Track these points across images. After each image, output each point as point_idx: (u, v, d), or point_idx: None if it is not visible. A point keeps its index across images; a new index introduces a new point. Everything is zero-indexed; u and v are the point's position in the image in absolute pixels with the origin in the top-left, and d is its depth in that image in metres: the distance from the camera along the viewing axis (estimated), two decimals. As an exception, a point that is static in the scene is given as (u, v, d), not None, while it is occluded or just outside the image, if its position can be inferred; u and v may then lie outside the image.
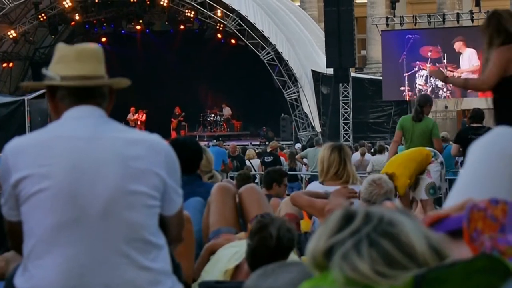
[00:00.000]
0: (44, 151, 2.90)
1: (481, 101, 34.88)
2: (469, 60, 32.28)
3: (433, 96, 33.85)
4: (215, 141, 24.67)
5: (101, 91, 3.06)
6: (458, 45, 32.04)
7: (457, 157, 17.18)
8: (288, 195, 9.76)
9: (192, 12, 34.35)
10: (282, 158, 20.75)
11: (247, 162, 20.17)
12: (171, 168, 3.04)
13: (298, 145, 27.09)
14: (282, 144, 27.77)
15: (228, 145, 23.34)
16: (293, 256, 3.83)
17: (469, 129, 10.97)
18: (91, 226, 2.86)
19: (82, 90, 3.02)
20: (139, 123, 36.48)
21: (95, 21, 38.72)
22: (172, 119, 37.29)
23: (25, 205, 2.90)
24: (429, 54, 32.71)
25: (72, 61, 3.02)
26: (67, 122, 2.99)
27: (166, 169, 3.00)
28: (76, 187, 2.87)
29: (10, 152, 2.94)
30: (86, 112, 3.00)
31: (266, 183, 8.61)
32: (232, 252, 4.18)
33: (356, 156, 19.80)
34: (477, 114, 10.96)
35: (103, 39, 38.79)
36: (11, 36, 35.89)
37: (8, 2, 33.85)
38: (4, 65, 37.48)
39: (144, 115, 36.87)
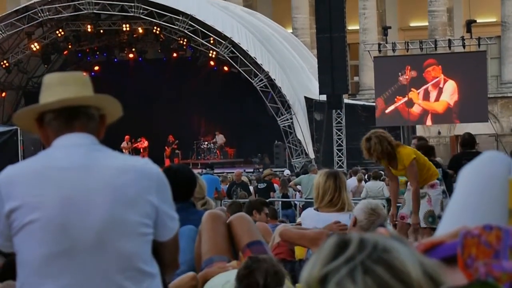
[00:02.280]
0: (36, 181, 2.88)
1: (475, 126, 35.11)
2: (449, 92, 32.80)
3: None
4: (208, 169, 24.67)
5: (87, 112, 3.03)
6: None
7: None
8: (282, 221, 9.77)
9: (185, 40, 34.45)
10: (275, 185, 20.76)
11: (239, 190, 20.17)
12: (163, 193, 3.02)
13: (287, 172, 27.09)
14: (276, 171, 27.76)
15: (223, 173, 23.33)
16: (287, 284, 3.81)
17: (463, 154, 10.99)
18: (84, 257, 2.85)
19: (67, 111, 3.00)
20: (141, 150, 36.56)
21: (87, 50, 38.81)
22: (166, 147, 37.29)
23: (18, 235, 2.89)
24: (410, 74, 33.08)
25: (56, 86, 3.02)
26: (58, 151, 2.97)
27: (158, 195, 2.98)
28: (68, 217, 2.85)
29: (2, 182, 2.92)
30: (76, 140, 2.98)
31: (246, 211, 8.68)
32: (223, 281, 4.16)
33: (352, 182, 19.80)
34: (468, 141, 10.99)
35: (96, 68, 38.87)
36: (4, 66, 35.93)
37: (0, 32, 33.93)
38: (-3, 94, 37.50)
39: (146, 142, 36.94)
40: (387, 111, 33.37)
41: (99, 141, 3.07)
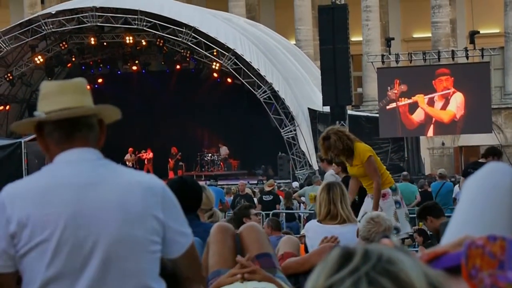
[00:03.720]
0: (43, 199, 2.85)
1: (479, 137, 35.04)
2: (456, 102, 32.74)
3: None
4: (212, 180, 24.67)
5: (88, 122, 3.00)
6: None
7: (455, 195, 17.21)
8: (286, 233, 9.74)
9: (188, 52, 34.50)
10: (280, 197, 20.74)
11: (243, 201, 20.15)
12: (170, 208, 2.99)
13: (296, 184, 27.06)
14: (280, 183, 27.74)
15: (227, 185, 23.31)
16: None
17: (472, 163, 10.97)
18: (93, 275, 2.84)
19: (68, 121, 2.97)
20: (146, 161, 36.60)
21: (91, 62, 38.89)
22: (169, 159, 37.30)
23: (28, 256, 2.85)
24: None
25: (54, 95, 2.98)
26: (62, 167, 2.94)
27: (164, 211, 2.96)
28: (77, 236, 2.84)
29: (7, 200, 2.87)
30: (80, 156, 2.95)
31: (236, 223, 8.60)
32: None
33: None
34: (490, 151, 10.85)
35: (100, 80, 38.95)
36: (7, 79, 36.01)
37: (4, 45, 34.01)
38: (1, 108, 37.55)
39: (151, 153, 36.97)
40: (388, 107, 33.28)
41: (101, 146, 3.04)
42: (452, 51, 35.48)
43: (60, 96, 2.98)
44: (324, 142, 8.66)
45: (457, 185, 18.50)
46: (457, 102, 32.65)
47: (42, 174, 2.97)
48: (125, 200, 2.89)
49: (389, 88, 32.90)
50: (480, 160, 10.78)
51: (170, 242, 3.00)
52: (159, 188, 2.98)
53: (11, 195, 2.89)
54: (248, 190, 22.14)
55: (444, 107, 32.92)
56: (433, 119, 33.24)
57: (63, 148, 2.97)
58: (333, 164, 12.45)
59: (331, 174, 12.75)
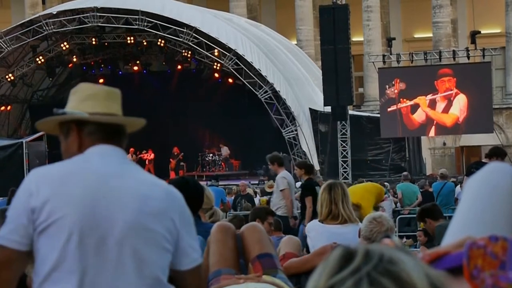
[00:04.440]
0: (67, 180, 2.93)
1: (480, 138, 35.05)
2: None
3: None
4: (213, 181, 24.66)
5: (123, 130, 3.17)
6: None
7: (457, 195, 17.21)
8: (284, 233, 9.73)
9: (189, 52, 34.52)
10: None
11: (243, 201, 20.13)
12: (186, 221, 3.09)
13: (297, 184, 27.03)
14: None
15: (228, 185, 23.29)
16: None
17: (475, 163, 10.97)
18: (107, 258, 2.89)
19: (110, 126, 3.11)
20: (147, 162, 36.59)
21: (92, 63, 38.91)
22: (171, 159, 37.31)
23: (44, 233, 2.90)
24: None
25: (101, 99, 3.14)
26: (92, 157, 3.04)
27: (180, 220, 3.05)
28: (95, 218, 2.90)
29: (34, 177, 2.95)
30: (111, 151, 3.07)
31: (250, 219, 8.62)
32: None
33: None
34: (494, 152, 10.82)
35: (101, 80, 38.94)
36: (9, 79, 36.03)
37: (5, 45, 34.02)
38: (2, 108, 37.58)
39: (153, 154, 36.97)
40: (389, 109, 33.26)
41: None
42: (453, 51, 35.47)
43: (107, 101, 3.15)
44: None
45: (459, 185, 18.51)
46: (460, 104, 32.56)
47: (72, 160, 3.06)
48: (147, 194, 2.98)
49: (387, 86, 32.88)
50: (483, 160, 10.77)
51: (182, 252, 3.07)
52: (180, 199, 3.10)
53: (39, 174, 2.98)
54: (249, 190, 22.13)
55: (446, 109, 32.85)
56: (434, 122, 33.22)
57: (99, 145, 3.10)
58: (296, 167, 12.61)
59: (282, 177, 12.77)
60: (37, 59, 35.85)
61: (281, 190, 12.76)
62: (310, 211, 11.76)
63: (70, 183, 2.92)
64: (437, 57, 34.74)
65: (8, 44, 34.02)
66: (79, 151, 3.07)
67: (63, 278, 2.87)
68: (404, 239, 15.98)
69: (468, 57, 34.17)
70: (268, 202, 12.92)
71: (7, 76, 35.89)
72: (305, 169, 12.70)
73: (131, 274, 2.90)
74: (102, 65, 39.30)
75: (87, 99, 3.13)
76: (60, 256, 2.88)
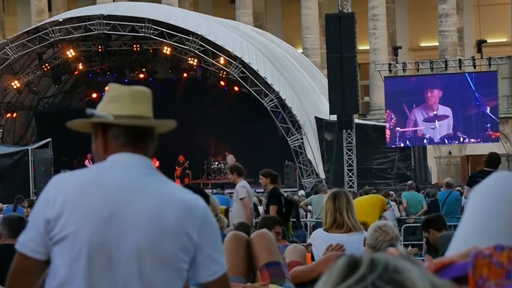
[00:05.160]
0: (84, 192, 2.89)
1: (486, 147, 35.12)
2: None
3: (439, 140, 33.94)
4: (219, 189, 24.65)
5: (152, 133, 3.07)
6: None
7: (463, 203, 17.18)
8: (293, 242, 9.73)
9: (195, 60, 34.54)
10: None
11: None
12: (207, 233, 2.98)
13: (302, 192, 27.03)
14: (286, 191, 27.70)
15: (233, 193, 23.17)
16: None
17: (479, 172, 10.96)
18: (116, 276, 2.85)
19: (136, 129, 3.02)
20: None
21: (98, 70, 38.96)
22: (176, 167, 37.31)
23: (58, 245, 2.88)
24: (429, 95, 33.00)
25: (127, 101, 3.03)
26: (113, 167, 2.97)
27: (200, 234, 2.95)
28: (107, 235, 2.86)
29: (53, 186, 2.93)
30: (132, 160, 2.99)
31: (257, 228, 8.62)
32: None
33: None
34: (491, 158, 10.89)
35: (106, 88, 38.87)
36: (15, 87, 36.09)
37: (12, 52, 34.09)
38: (8, 115, 37.63)
39: (158, 162, 36.96)
40: (402, 129, 33.30)
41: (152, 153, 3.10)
42: (459, 60, 35.46)
43: (132, 103, 3.04)
44: None
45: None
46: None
47: (92, 169, 3.02)
48: (161, 212, 2.90)
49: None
50: (486, 169, 10.75)
51: (201, 266, 2.99)
52: (201, 211, 2.99)
53: (58, 182, 2.95)
54: (254, 199, 22.08)
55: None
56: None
57: (124, 152, 3.01)
58: (261, 176, 12.66)
59: (242, 186, 12.77)
60: (43, 66, 35.93)
61: (241, 199, 12.78)
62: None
63: (86, 196, 2.87)
64: (443, 66, 34.73)
65: (14, 51, 34.09)
66: (105, 153, 3.02)
67: None
68: (409, 248, 15.94)
69: (474, 66, 34.16)
70: (227, 211, 12.93)
71: (13, 83, 35.95)
72: (271, 178, 12.77)
73: None
74: (108, 73, 39.34)
75: (113, 101, 3.05)
76: (68, 272, 2.85)
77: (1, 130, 37.55)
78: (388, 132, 33.56)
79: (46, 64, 35.92)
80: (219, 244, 3.07)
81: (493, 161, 10.79)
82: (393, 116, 33.46)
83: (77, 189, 2.89)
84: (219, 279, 3.04)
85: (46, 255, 2.92)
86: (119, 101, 3.04)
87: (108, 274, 2.85)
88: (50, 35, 33.83)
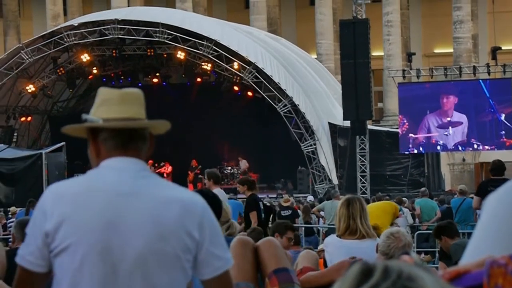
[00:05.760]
0: (80, 203, 2.87)
1: (501, 154, 35.00)
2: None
3: (453, 147, 33.85)
4: (232, 193, 24.66)
5: (143, 134, 3.03)
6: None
7: (477, 211, 17.10)
8: (306, 248, 9.71)
9: (209, 65, 34.58)
10: (298, 211, 20.66)
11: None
12: (208, 230, 2.96)
13: (311, 198, 27.00)
14: (298, 197, 27.69)
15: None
16: None
17: (489, 181, 10.93)
18: (119, 285, 2.85)
19: (125, 132, 3.00)
20: (165, 175, 36.58)
21: (112, 75, 39.05)
22: (189, 172, 37.33)
23: (59, 257, 2.88)
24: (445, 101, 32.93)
25: (115, 104, 3.00)
26: (106, 173, 2.96)
27: (201, 231, 2.94)
28: (108, 244, 2.85)
29: (50, 197, 2.92)
30: (125, 164, 2.97)
31: (270, 233, 8.62)
32: None
33: None
34: (498, 166, 10.91)
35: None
36: (29, 91, 36.23)
37: (27, 57, 34.23)
38: (22, 119, 37.78)
39: (170, 167, 36.99)
40: (415, 135, 33.22)
41: (148, 158, 3.06)
42: (474, 66, 35.35)
43: (121, 105, 3.01)
44: None
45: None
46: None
47: (86, 177, 3.00)
48: (160, 214, 2.88)
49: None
50: (494, 177, 10.75)
51: (203, 263, 2.97)
52: (199, 208, 2.97)
53: (54, 194, 2.92)
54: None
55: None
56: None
57: (115, 155, 2.99)
58: (238, 185, 12.69)
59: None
60: (58, 71, 36.06)
61: None
62: (255, 226, 11.76)
63: (83, 206, 2.86)
64: (457, 72, 34.64)
65: (29, 56, 34.23)
66: (98, 158, 3.01)
67: None
68: (422, 255, 15.89)
69: (489, 73, 34.05)
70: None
71: (28, 87, 36.10)
72: (248, 185, 12.79)
73: None
74: (122, 77, 39.42)
75: (102, 105, 3.02)
76: (72, 283, 2.85)
77: (16, 134, 37.72)
78: (400, 137, 33.47)
79: (61, 68, 36.04)
80: (221, 240, 3.04)
81: (499, 169, 10.82)
82: (405, 121, 33.37)
83: (74, 200, 2.88)
84: (222, 275, 3.02)
85: (46, 267, 2.92)
86: (108, 105, 3.01)
87: (112, 282, 2.84)
88: (65, 39, 33.96)
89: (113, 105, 3.00)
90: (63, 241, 2.86)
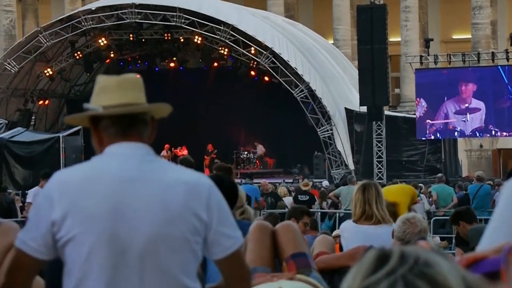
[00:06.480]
0: (87, 191, 2.87)
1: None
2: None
3: (470, 133, 33.71)
4: (247, 179, 24.67)
5: (144, 119, 3.03)
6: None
7: (494, 197, 17.07)
8: (324, 233, 9.72)
9: (226, 50, 34.55)
10: (315, 196, 20.68)
11: (269, 200, 20.08)
12: (216, 209, 2.96)
13: (326, 183, 26.99)
14: (314, 182, 27.67)
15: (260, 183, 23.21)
16: None
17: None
18: (130, 270, 2.85)
19: (125, 118, 2.99)
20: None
21: (129, 59, 39.09)
22: (205, 156, 37.37)
23: (67, 246, 2.88)
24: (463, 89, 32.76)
25: (113, 90, 3.00)
26: (110, 160, 2.96)
27: (209, 212, 2.94)
28: (116, 231, 2.85)
29: (55, 187, 2.91)
30: (129, 150, 2.97)
31: (286, 218, 8.62)
32: None
33: None
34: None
35: (137, 77, 39.05)
36: (47, 74, 36.37)
37: (45, 40, 34.32)
38: (40, 102, 37.94)
39: (186, 150, 37.04)
40: (432, 121, 33.10)
41: (151, 142, 3.06)
42: (492, 52, 35.14)
43: (119, 91, 3.00)
44: None
45: (497, 188, 18.41)
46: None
47: (90, 164, 3.00)
48: (167, 198, 2.88)
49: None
50: None
51: (213, 243, 2.98)
52: (206, 188, 2.96)
53: (60, 182, 2.92)
54: (284, 189, 22.08)
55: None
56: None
57: (117, 142, 2.99)
58: (214, 170, 12.57)
59: None
60: (75, 54, 36.14)
61: None
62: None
63: (89, 195, 2.86)
64: (476, 58, 34.45)
65: (47, 39, 34.31)
66: (101, 146, 3.01)
67: None
68: (438, 240, 15.87)
69: (507, 59, 33.85)
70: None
71: (45, 71, 36.24)
72: (224, 171, 12.69)
73: (155, 286, 2.86)
74: (139, 61, 39.45)
75: (100, 93, 3.02)
76: (82, 273, 2.86)
77: (34, 117, 37.89)
78: (417, 122, 33.33)
79: (78, 52, 36.12)
80: (229, 219, 3.04)
81: None
82: (424, 104, 33.21)
83: (79, 188, 2.88)
84: (233, 254, 3.02)
85: (46, 255, 2.93)
86: (106, 92, 3.01)
87: (123, 269, 2.85)
88: (83, 23, 34.03)
89: (111, 92, 3.00)
90: (70, 231, 2.85)
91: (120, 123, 2.99)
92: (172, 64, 39.19)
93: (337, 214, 19.21)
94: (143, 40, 36.86)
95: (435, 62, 34.47)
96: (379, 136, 31.86)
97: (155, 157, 3.01)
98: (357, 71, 32.03)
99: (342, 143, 33.00)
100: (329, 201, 20.96)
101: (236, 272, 3.09)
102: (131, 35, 35.73)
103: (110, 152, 2.97)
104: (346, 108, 33.48)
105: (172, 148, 37.28)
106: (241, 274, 3.11)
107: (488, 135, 34.82)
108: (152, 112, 3.09)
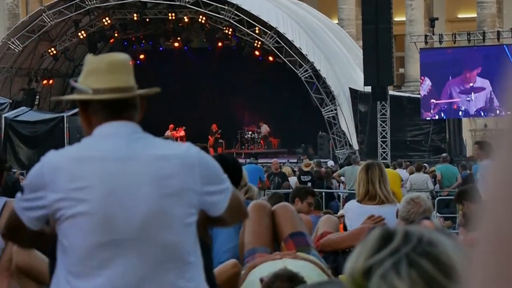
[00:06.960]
0: (78, 172, 2.87)
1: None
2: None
3: (475, 112, 33.67)
4: (252, 158, 24.68)
5: (134, 102, 3.03)
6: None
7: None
8: (327, 212, 9.74)
9: (230, 29, 34.49)
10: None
11: (276, 179, 20.11)
12: (206, 173, 2.99)
13: (331, 163, 26.98)
14: (319, 161, 27.67)
15: (267, 163, 23.26)
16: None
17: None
18: (129, 249, 2.86)
19: (115, 102, 2.99)
20: (178, 140, 36.59)
21: (133, 38, 39.04)
22: (209, 136, 37.39)
23: (63, 225, 2.89)
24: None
25: (103, 73, 2.99)
26: (99, 141, 2.96)
27: (202, 180, 2.97)
28: (112, 211, 2.85)
29: (47, 168, 2.91)
30: (117, 129, 2.97)
31: (290, 198, 8.64)
32: (270, 270, 4.16)
33: (405, 174, 19.63)
34: None
35: (141, 56, 39.09)
36: (51, 54, 36.34)
37: (49, 19, 34.26)
38: (44, 82, 37.93)
39: (183, 131, 37.05)
40: (436, 101, 33.04)
41: (140, 120, 3.06)
42: (498, 32, 35.01)
43: (109, 74, 2.99)
44: None
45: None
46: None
47: (80, 146, 2.99)
48: (161, 175, 2.89)
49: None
50: None
51: (211, 205, 3.03)
52: (195, 158, 2.98)
53: (51, 164, 2.92)
54: (288, 169, 22.11)
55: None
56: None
57: (106, 123, 3.00)
58: None
59: None
60: (79, 34, 36.09)
61: None
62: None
63: (80, 176, 2.86)
64: (481, 38, 34.31)
65: (51, 18, 34.27)
66: (89, 128, 3.01)
67: (87, 274, 2.86)
68: (443, 221, 15.89)
69: (513, 39, 33.73)
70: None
71: (49, 50, 36.22)
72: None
73: (155, 263, 2.87)
74: (143, 41, 39.41)
75: (90, 74, 3.02)
76: (82, 254, 2.86)
77: (38, 97, 37.89)
78: (422, 101, 33.27)
79: (82, 32, 36.07)
80: (219, 173, 3.07)
81: None
82: (428, 82, 33.14)
83: (70, 171, 2.87)
84: (230, 202, 3.07)
85: (38, 227, 2.98)
86: (95, 75, 3.00)
87: (121, 248, 2.86)
88: (86, 2, 33.96)
89: (101, 75, 2.99)
90: (67, 211, 2.86)
91: (110, 107, 2.99)
92: (176, 44, 39.14)
93: (341, 194, 19.26)
94: (147, 19, 36.80)
95: (440, 42, 34.35)
96: (383, 116, 31.82)
97: (143, 134, 3.01)
98: (362, 51, 31.95)
99: (347, 123, 33.00)
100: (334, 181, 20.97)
101: (236, 215, 3.23)
102: (135, 15, 35.67)
103: (99, 133, 2.97)
104: (350, 88, 33.43)
105: (177, 129, 37.29)
106: (240, 214, 3.28)
107: (493, 114, 34.73)
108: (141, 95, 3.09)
